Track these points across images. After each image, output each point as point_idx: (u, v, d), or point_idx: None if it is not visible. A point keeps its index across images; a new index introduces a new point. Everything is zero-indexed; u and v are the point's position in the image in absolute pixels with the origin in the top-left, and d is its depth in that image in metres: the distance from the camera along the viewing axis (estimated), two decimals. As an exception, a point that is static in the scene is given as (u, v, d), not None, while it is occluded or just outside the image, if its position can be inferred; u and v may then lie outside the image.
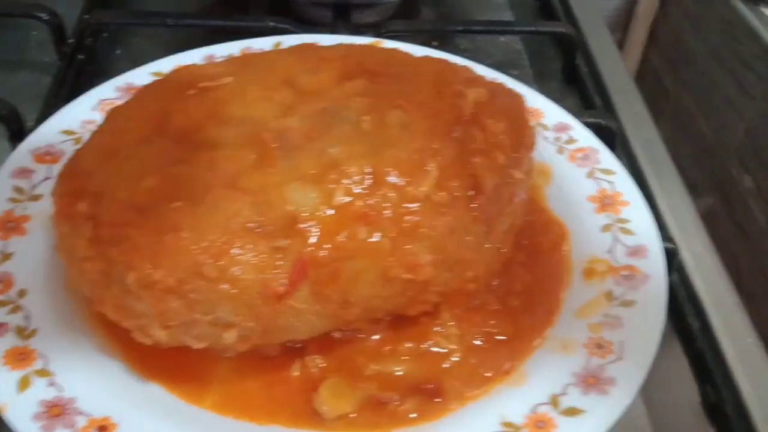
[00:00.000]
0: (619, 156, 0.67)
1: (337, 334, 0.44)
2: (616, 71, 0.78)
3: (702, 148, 1.19)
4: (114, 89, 0.57)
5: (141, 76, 0.59)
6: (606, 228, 0.51)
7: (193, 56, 0.60)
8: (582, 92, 0.75)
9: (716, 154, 1.15)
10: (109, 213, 0.38)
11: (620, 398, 0.41)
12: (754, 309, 1.10)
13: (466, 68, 0.51)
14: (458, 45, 0.82)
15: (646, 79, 1.37)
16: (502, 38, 0.83)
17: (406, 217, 0.40)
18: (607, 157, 0.56)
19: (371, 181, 0.40)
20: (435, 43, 0.81)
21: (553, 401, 0.41)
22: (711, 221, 1.17)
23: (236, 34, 0.68)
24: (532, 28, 0.77)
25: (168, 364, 0.43)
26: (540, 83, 0.79)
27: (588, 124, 0.65)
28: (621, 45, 1.38)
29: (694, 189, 1.22)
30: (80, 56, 0.71)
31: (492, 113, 0.45)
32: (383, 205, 0.39)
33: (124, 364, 0.43)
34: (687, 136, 1.23)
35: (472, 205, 0.42)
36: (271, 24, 0.70)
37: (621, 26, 1.38)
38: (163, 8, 0.84)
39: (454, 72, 0.46)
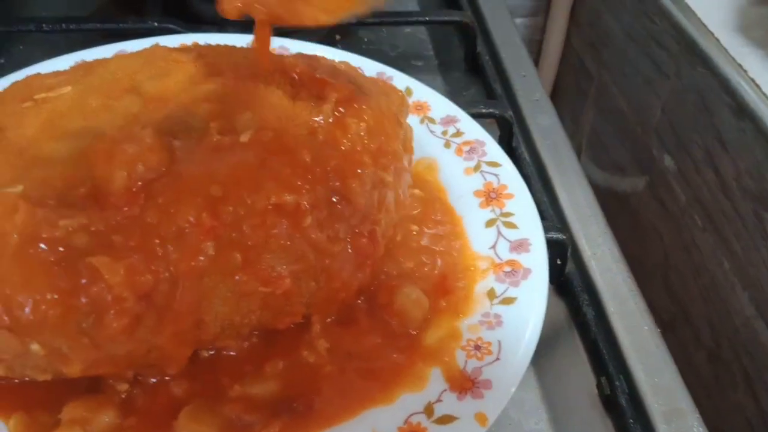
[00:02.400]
0: (518, 145, 0.66)
1: (204, 353, 0.42)
2: (518, 59, 0.77)
3: (624, 128, 1.19)
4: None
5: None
6: (490, 223, 0.50)
7: (60, 62, 0.56)
8: (484, 81, 0.74)
9: (638, 134, 1.16)
10: (-73, 241, 0.35)
11: (495, 401, 0.40)
12: (681, 285, 1.11)
13: (339, 65, 0.49)
14: (362, 38, 0.80)
15: (570, 61, 1.37)
16: (408, 29, 0.81)
17: (259, 230, 0.38)
18: (493, 149, 0.55)
19: (219, 194, 0.37)
20: (338, 37, 0.79)
21: (428, 410, 0.40)
22: (637, 202, 1.18)
23: (122, 37, 0.65)
24: (429, 18, 0.76)
25: (21, 397, 0.40)
26: (444, 73, 0.77)
27: (486, 115, 0.64)
28: (543, 29, 1.38)
29: (620, 170, 1.23)
30: (-46, 68, 0.67)
31: (356, 113, 0.43)
32: (230, 219, 0.37)
33: (-27, 400, 0.40)
34: (611, 117, 1.23)
35: (335, 213, 0.40)
36: (155, 24, 0.67)
37: (543, 10, 1.37)
38: (56, 11, 0.80)
39: (313, 69, 0.44)
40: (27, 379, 0.39)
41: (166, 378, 0.40)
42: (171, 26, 0.67)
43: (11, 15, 0.79)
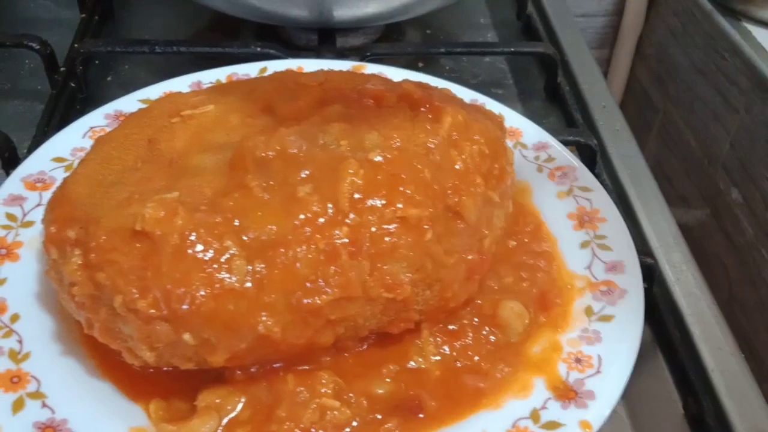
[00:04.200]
0: (600, 172, 0.68)
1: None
2: (598, 89, 0.79)
3: (690, 161, 1.20)
4: (103, 116, 0.59)
5: (129, 103, 0.60)
6: (584, 244, 0.53)
7: (180, 83, 0.61)
8: (564, 110, 0.77)
9: (704, 166, 1.17)
10: (97, 239, 0.39)
11: (599, 411, 0.43)
12: (746, 318, 1.11)
13: (444, 91, 0.53)
14: (443, 66, 0.83)
15: (634, 93, 1.39)
16: (487, 58, 0.85)
17: (385, 238, 0.41)
18: (585, 175, 0.57)
19: (348, 203, 0.41)
20: (420, 65, 0.83)
21: (534, 416, 0.43)
22: (702, 233, 1.19)
23: (224, 60, 0.69)
24: (514, 49, 0.79)
25: (158, 387, 0.44)
26: (524, 102, 0.81)
27: (569, 142, 0.67)
28: (609, 61, 1.40)
29: (684, 201, 1.24)
30: (71, 84, 0.73)
31: (468, 136, 0.47)
32: (361, 229, 0.41)
33: (115, 386, 0.44)
34: (676, 149, 1.25)
35: (451, 227, 0.44)
36: (258, 49, 0.72)
37: (608, 42, 1.40)
38: (154, 34, 0.86)
39: (430, 95, 0.48)
40: (166, 368, 0.43)
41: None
42: (272, 51, 0.72)
43: (118, 36, 0.86)
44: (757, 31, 1.06)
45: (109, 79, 0.79)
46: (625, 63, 1.37)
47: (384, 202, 0.42)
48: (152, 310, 0.38)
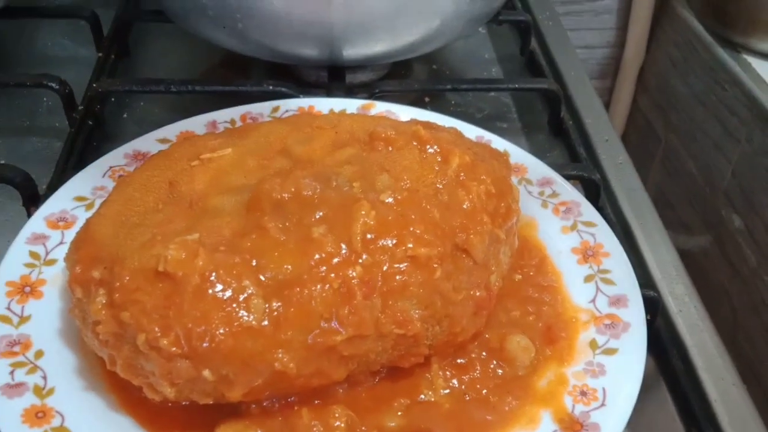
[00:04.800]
0: (603, 206, 0.70)
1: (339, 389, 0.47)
2: (600, 123, 0.81)
3: (693, 189, 1.22)
4: (122, 156, 0.61)
5: (147, 142, 0.62)
6: (588, 278, 0.54)
7: (196, 123, 0.63)
8: (568, 144, 0.79)
9: (706, 195, 1.18)
10: (121, 279, 0.41)
11: (604, 443, 0.44)
12: (750, 345, 1.12)
13: (451, 131, 0.55)
14: (449, 100, 0.86)
15: (636, 123, 1.41)
16: (492, 93, 0.87)
17: (396, 277, 0.43)
18: (588, 210, 0.59)
19: (360, 243, 0.43)
20: (427, 99, 0.85)
21: (540, 448, 0.44)
22: (704, 261, 1.20)
23: (237, 98, 0.72)
24: (518, 86, 0.81)
25: (176, 421, 0.45)
26: (528, 135, 0.83)
27: (573, 177, 0.69)
28: (611, 91, 1.43)
29: (686, 229, 1.25)
30: (89, 122, 0.75)
31: (475, 176, 0.48)
32: (374, 268, 0.42)
33: (135, 421, 0.45)
34: (678, 178, 1.26)
35: (459, 265, 0.46)
36: (270, 88, 0.74)
37: (610, 73, 1.43)
38: (168, 71, 0.88)
39: (438, 137, 0.50)
40: (185, 403, 0.45)
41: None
42: (284, 90, 0.74)
43: (134, 74, 0.88)
44: (756, 63, 1.08)
45: (125, 116, 0.81)
46: (627, 93, 1.40)
47: (395, 241, 0.43)
48: (174, 348, 0.40)
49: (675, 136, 1.27)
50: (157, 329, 0.40)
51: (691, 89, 1.22)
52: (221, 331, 0.40)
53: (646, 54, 1.35)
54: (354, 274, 0.42)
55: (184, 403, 0.44)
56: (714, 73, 1.14)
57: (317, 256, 0.42)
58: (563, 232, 0.58)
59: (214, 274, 0.41)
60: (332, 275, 0.42)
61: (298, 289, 0.41)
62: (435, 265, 0.44)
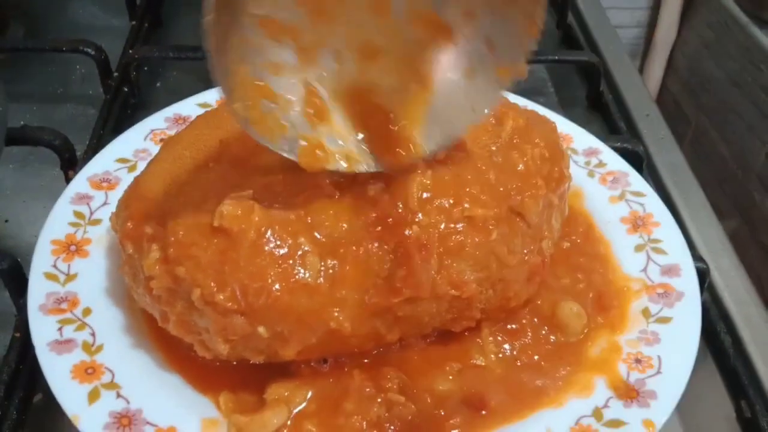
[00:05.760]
0: (646, 179, 0.69)
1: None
2: (640, 97, 0.80)
3: (724, 172, 1.20)
4: (163, 120, 0.60)
5: (188, 106, 0.62)
6: (639, 248, 0.53)
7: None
8: (607, 118, 0.77)
9: (738, 178, 1.17)
10: (176, 234, 0.40)
11: (661, 410, 0.43)
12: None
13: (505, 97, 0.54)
14: (484, 74, 0.84)
15: (665, 105, 1.40)
16: (528, 66, 0.86)
17: (453, 237, 0.42)
18: (636, 180, 0.58)
19: (417, 203, 0.42)
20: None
21: (596, 414, 0.43)
22: (735, 243, 1.18)
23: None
24: (558, 57, 0.80)
25: (225, 380, 0.45)
26: (565, 110, 0.81)
27: (615, 149, 0.67)
28: (640, 72, 1.41)
29: (717, 212, 1.24)
30: (125, 89, 0.75)
31: (529, 139, 0.47)
32: (430, 229, 0.42)
33: (183, 378, 0.45)
34: (708, 161, 1.25)
35: (514, 228, 0.45)
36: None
37: (640, 54, 1.41)
38: (198, 42, 0.87)
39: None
40: (235, 362, 0.44)
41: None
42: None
43: (167, 43, 0.87)
44: (794, 43, 1.06)
45: (158, 84, 0.81)
46: (656, 75, 1.38)
47: (451, 201, 0.43)
48: (229, 304, 0.39)
49: (706, 119, 1.26)
50: (213, 284, 0.39)
51: (725, 70, 1.20)
52: (277, 287, 0.39)
53: (678, 35, 1.33)
54: (410, 233, 0.41)
55: (233, 362, 0.44)
56: (749, 54, 1.12)
57: (373, 215, 0.41)
58: (611, 201, 0.57)
59: (269, 230, 0.40)
60: (388, 234, 0.41)
61: (354, 247, 0.41)
62: (491, 227, 0.43)
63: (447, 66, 0.42)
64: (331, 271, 0.40)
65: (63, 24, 0.91)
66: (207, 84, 0.68)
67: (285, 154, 0.40)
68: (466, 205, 0.43)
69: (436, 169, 0.44)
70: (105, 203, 0.53)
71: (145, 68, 0.81)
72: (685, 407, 0.53)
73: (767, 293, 1.08)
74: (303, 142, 0.41)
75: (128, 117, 0.74)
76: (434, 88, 0.43)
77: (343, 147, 0.42)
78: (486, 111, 0.43)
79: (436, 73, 0.42)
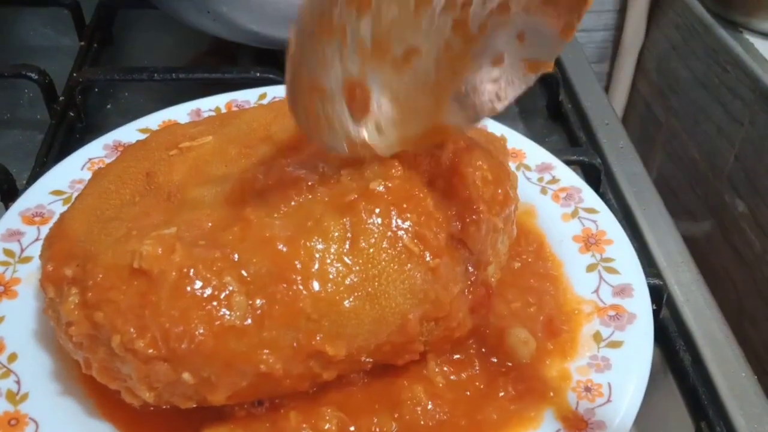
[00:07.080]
0: (605, 191, 0.68)
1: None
2: (600, 106, 0.79)
3: (695, 174, 1.19)
4: (102, 147, 0.58)
5: (128, 133, 0.60)
6: (591, 267, 0.52)
7: (179, 111, 0.61)
8: (567, 129, 0.76)
9: (709, 179, 1.16)
10: (94, 277, 0.38)
11: (610, 442, 0.42)
12: (756, 331, 1.09)
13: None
14: (444, 86, 0.83)
15: (636, 107, 1.39)
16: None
17: (389, 269, 0.40)
18: (590, 196, 0.57)
19: (350, 236, 0.40)
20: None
21: (543, 448, 0.42)
22: (708, 246, 1.18)
23: (223, 85, 0.69)
24: (515, 68, 0.78)
25: (158, 427, 0.43)
26: (525, 120, 0.80)
27: (573, 162, 0.66)
28: (609, 75, 1.40)
29: (689, 215, 1.23)
30: (70, 113, 0.73)
31: (472, 162, 0.46)
32: (366, 263, 0.40)
33: (114, 427, 0.43)
34: (680, 163, 1.24)
35: (455, 256, 0.43)
36: (257, 75, 0.71)
37: (608, 57, 1.40)
38: (153, 60, 0.85)
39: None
40: (166, 407, 0.42)
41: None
42: (271, 76, 0.71)
43: (118, 63, 0.85)
44: (759, 43, 1.05)
45: (108, 107, 0.79)
46: (626, 77, 1.37)
47: (388, 233, 0.41)
48: (151, 350, 0.37)
49: (676, 120, 1.25)
50: (132, 330, 0.37)
51: (692, 72, 1.19)
52: (201, 330, 0.37)
53: (646, 37, 1.32)
54: (343, 269, 0.39)
55: (165, 407, 0.42)
56: (715, 55, 1.11)
57: (305, 250, 0.40)
58: (564, 219, 0.55)
59: (192, 270, 0.38)
60: (321, 270, 0.39)
61: (284, 285, 0.39)
62: (429, 258, 0.41)
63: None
64: (259, 311, 0.39)
65: (13, 46, 0.88)
66: (158, 104, 0.66)
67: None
68: (402, 234, 0.41)
69: (372, 199, 0.42)
70: (37, 239, 0.51)
71: (96, 90, 0.79)
72: (644, 429, 0.52)
73: (741, 295, 1.08)
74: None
75: (77, 141, 0.71)
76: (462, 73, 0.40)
77: None
78: (510, 98, 0.41)
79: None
